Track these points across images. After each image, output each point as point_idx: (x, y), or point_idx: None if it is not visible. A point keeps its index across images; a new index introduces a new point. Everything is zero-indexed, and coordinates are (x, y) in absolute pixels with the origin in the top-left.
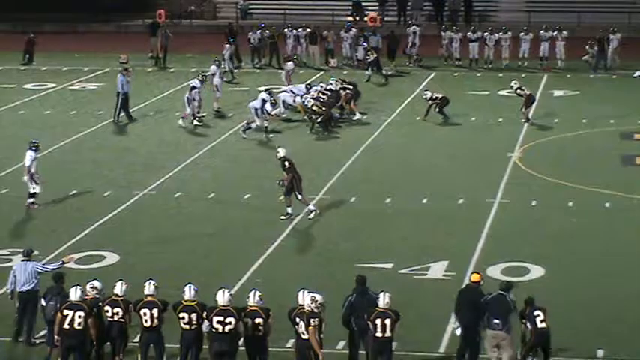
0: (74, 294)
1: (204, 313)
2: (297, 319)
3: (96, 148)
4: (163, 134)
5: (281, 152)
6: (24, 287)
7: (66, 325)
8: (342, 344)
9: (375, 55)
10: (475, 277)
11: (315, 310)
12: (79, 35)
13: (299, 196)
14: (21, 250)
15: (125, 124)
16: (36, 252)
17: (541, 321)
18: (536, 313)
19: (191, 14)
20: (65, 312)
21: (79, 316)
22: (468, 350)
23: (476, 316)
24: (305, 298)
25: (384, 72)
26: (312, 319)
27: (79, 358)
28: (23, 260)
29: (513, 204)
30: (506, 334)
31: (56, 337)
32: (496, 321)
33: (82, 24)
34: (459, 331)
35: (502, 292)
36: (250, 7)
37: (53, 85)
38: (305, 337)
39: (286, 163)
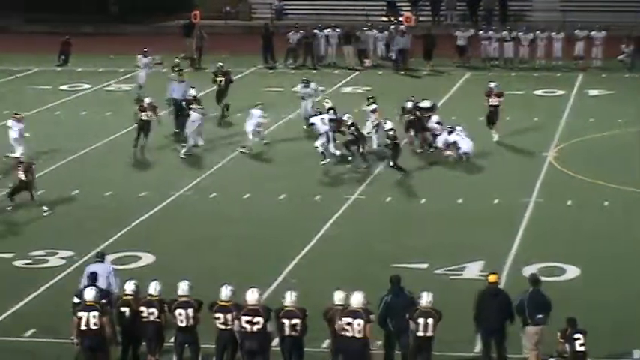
0: (88, 294)
1: (235, 313)
2: (349, 318)
3: (130, 148)
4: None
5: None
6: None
7: (83, 327)
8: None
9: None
10: (493, 277)
11: (369, 307)
12: (113, 37)
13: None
14: (57, 251)
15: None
16: (71, 253)
17: (580, 344)
18: (576, 336)
19: (226, 15)
20: (79, 314)
21: (94, 317)
22: (497, 352)
23: (504, 317)
24: (358, 297)
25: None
26: (371, 315)
27: (102, 357)
28: (97, 262)
29: (549, 204)
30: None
31: (75, 339)
32: (540, 316)
33: (116, 25)
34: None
35: (537, 287)
36: (285, 7)
37: (89, 86)
38: (359, 335)
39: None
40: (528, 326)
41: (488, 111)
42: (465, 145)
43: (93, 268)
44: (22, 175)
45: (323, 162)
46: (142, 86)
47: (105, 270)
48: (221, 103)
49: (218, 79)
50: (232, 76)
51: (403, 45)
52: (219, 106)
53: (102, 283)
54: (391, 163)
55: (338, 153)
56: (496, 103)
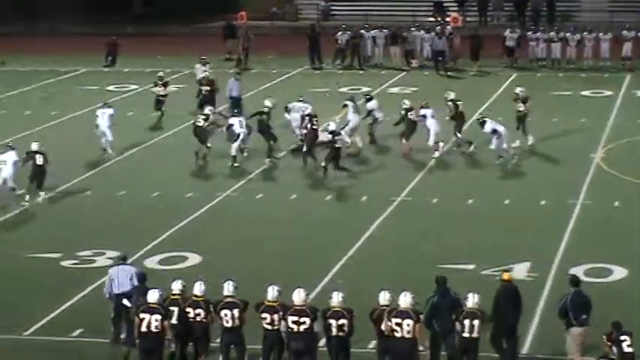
0: (151, 297)
1: (281, 314)
2: (399, 319)
3: (177, 149)
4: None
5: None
6: (121, 289)
7: (143, 329)
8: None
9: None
10: (507, 275)
11: (417, 308)
12: (160, 37)
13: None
14: (104, 251)
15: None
16: (119, 253)
17: (628, 346)
18: (622, 337)
19: (273, 16)
20: (142, 315)
21: (156, 320)
22: (512, 346)
23: (519, 313)
24: (406, 297)
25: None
26: (420, 315)
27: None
28: (120, 264)
29: (596, 205)
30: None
31: (136, 340)
32: (585, 317)
33: (162, 26)
34: None
35: (577, 288)
36: (331, 8)
37: (135, 86)
38: (409, 335)
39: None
40: (573, 327)
41: (516, 116)
42: (501, 128)
43: (116, 270)
44: (39, 160)
45: (236, 164)
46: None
47: (129, 272)
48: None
49: (203, 88)
50: (217, 86)
51: (441, 47)
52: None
53: (126, 284)
54: (323, 163)
55: (234, 153)
56: (522, 109)
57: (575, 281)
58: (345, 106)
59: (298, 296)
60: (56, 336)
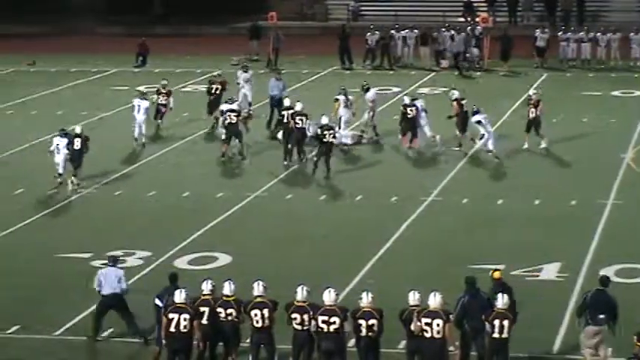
0: (179, 296)
1: (311, 314)
2: (428, 319)
3: (208, 149)
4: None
5: None
6: (109, 291)
7: (172, 329)
8: None
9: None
10: (498, 274)
11: (447, 308)
12: (190, 38)
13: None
14: (134, 251)
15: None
16: (149, 253)
17: None
18: None
19: (303, 16)
20: (170, 315)
21: (184, 319)
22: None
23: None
24: (436, 298)
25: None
26: (450, 315)
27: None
28: (110, 266)
29: (627, 205)
30: (606, 329)
31: (163, 340)
32: (602, 316)
33: (193, 26)
34: None
35: (602, 287)
36: (361, 8)
37: None
38: (438, 335)
39: None
40: (588, 326)
41: (528, 120)
42: (487, 128)
43: (105, 272)
44: (77, 144)
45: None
46: (251, 103)
47: (117, 275)
48: (212, 115)
49: (214, 86)
50: (227, 86)
51: (458, 48)
52: (210, 118)
53: (114, 287)
54: (314, 158)
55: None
56: (534, 114)
57: (603, 281)
58: (337, 100)
59: (328, 296)
60: (86, 336)
